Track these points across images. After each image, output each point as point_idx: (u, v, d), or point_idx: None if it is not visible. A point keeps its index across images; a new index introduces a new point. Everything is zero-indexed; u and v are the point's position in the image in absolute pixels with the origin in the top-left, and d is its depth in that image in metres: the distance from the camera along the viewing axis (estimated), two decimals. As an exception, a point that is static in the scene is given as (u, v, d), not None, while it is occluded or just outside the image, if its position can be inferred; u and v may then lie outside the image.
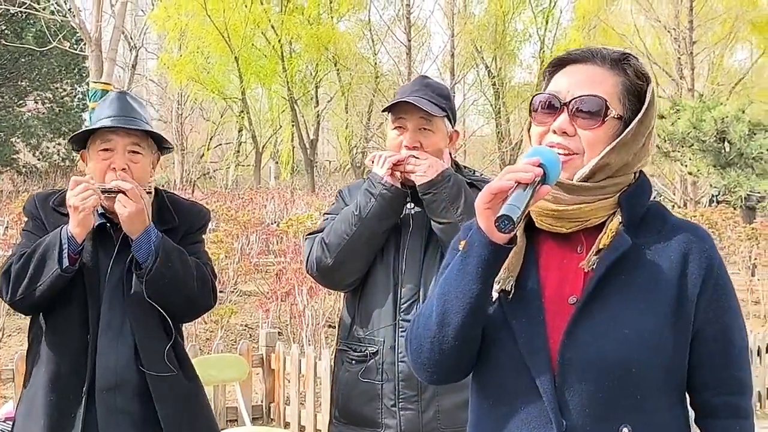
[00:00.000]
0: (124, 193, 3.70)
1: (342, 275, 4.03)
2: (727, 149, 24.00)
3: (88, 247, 3.79)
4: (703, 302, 2.38)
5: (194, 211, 4.14)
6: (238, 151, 54.52)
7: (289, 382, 8.32)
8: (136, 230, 3.74)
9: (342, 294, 4.47)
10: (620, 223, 2.40)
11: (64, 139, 44.16)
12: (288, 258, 14.29)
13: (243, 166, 55.30)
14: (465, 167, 4.26)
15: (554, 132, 2.41)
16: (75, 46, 31.98)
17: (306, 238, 4.22)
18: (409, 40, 44.95)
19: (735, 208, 24.67)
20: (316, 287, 11.02)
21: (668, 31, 38.81)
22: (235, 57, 45.11)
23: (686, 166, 26.27)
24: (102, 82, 18.34)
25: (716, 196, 32.55)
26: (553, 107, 2.43)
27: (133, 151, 3.88)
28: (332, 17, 49.16)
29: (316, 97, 50.01)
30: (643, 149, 2.46)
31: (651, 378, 2.31)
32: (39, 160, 44.43)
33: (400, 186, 3.94)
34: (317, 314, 11.02)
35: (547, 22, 51.29)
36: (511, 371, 2.37)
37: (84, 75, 41.23)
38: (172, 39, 47.46)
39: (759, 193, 23.18)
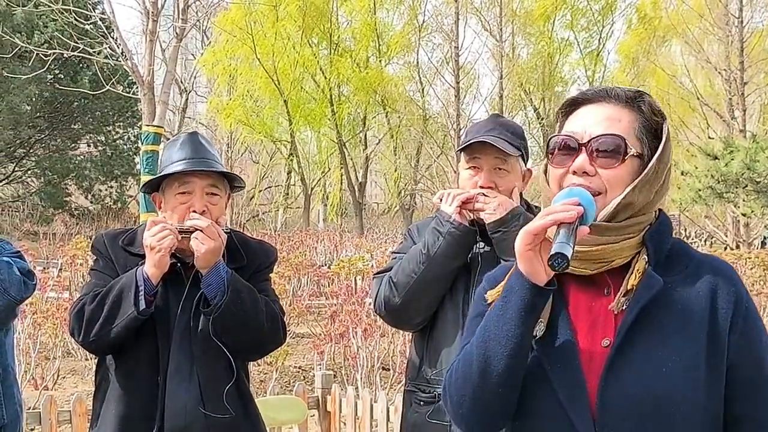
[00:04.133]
0: (201, 230, 3.69)
1: (410, 314, 3.99)
2: (788, 189, 23.80)
3: (159, 288, 3.77)
4: (734, 337, 2.34)
5: (263, 249, 4.13)
6: (287, 194, 54.76)
7: (345, 424, 8.26)
8: (207, 266, 3.74)
9: (405, 335, 4.42)
10: (646, 262, 2.37)
11: (116, 181, 44.49)
12: (340, 299, 14.28)
13: (292, 208, 55.52)
14: (536, 206, 4.20)
15: (574, 173, 2.40)
16: (128, 90, 32.24)
17: (374, 278, 4.19)
18: (458, 82, 44.94)
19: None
20: (370, 329, 10.98)
21: (719, 72, 38.62)
22: (284, 100, 45.44)
23: (739, 207, 26.08)
24: (154, 126, 18.46)
25: (768, 237, 32.26)
26: (570, 148, 2.42)
27: (211, 193, 3.87)
28: (380, 60, 49.42)
29: (365, 139, 50.25)
30: (663, 186, 2.45)
31: (689, 417, 2.26)
32: (91, 202, 44.73)
33: (468, 224, 3.91)
34: (372, 356, 10.97)
35: (595, 64, 51.31)
36: (550, 418, 2.34)
37: (136, 118, 41.51)
38: (222, 83, 47.84)
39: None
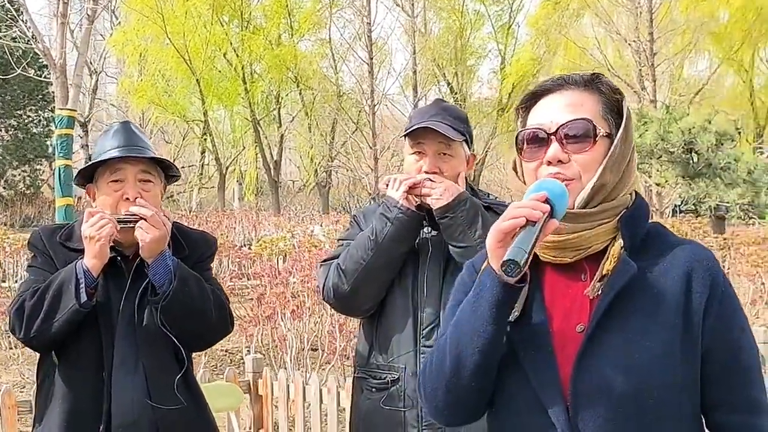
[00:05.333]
0: (144, 219, 3.64)
1: (359, 301, 3.99)
2: (695, 160, 24.18)
3: (100, 280, 3.70)
4: (710, 320, 2.35)
5: (203, 239, 4.10)
6: (202, 174, 54.36)
7: (277, 408, 8.23)
8: (153, 256, 3.69)
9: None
10: (621, 247, 2.38)
11: (29, 166, 43.89)
12: (265, 281, 14.20)
13: (206, 188, 55.15)
14: (481, 191, 4.23)
15: (548, 163, 2.40)
16: (39, 73, 31.75)
17: (321, 265, 4.18)
18: (371, 58, 44.95)
19: (698, 217, 24.86)
20: (298, 310, 10.93)
21: (629, 44, 39.07)
22: (197, 79, 45.03)
23: (653, 177, 26.44)
24: (67, 109, 18.18)
25: (679, 206, 32.81)
26: (539, 140, 2.42)
27: (144, 180, 3.81)
28: (293, 37, 49.15)
29: (279, 117, 50.05)
30: (630, 165, 2.46)
31: (663, 401, 2.28)
32: (4, 188, 44.04)
33: (415, 209, 3.91)
34: (301, 338, 10.93)
35: (506, 38, 51.53)
36: (523, 403, 2.35)
37: (48, 101, 41.00)
38: (132, 63, 47.32)
39: (727, 203, 23.33)
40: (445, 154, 3.97)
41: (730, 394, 2.39)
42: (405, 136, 4.04)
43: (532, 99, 2.53)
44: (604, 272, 2.35)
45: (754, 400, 2.40)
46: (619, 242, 2.39)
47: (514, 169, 2.54)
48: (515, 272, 2.14)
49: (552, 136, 2.40)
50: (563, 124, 2.39)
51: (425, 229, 3.99)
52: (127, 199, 3.74)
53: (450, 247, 3.87)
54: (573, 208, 2.36)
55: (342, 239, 4.21)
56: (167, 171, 3.99)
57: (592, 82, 2.48)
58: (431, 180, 3.89)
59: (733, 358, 2.39)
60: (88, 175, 3.90)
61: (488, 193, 4.29)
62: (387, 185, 4.01)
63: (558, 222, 2.25)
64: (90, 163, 3.87)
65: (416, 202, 3.93)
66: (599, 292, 2.34)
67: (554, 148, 2.39)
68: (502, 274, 2.21)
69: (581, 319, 2.35)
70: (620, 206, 2.43)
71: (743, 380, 2.40)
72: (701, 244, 2.54)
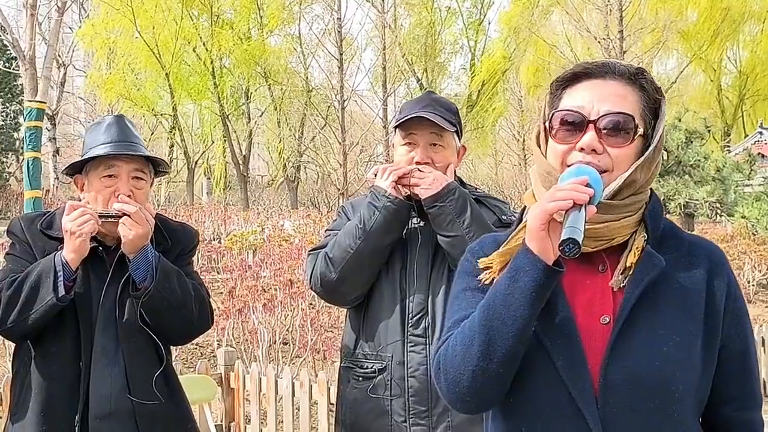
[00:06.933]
0: (128, 216, 3.61)
1: (346, 290, 3.98)
2: (665, 157, 24.25)
3: (79, 271, 3.67)
4: (728, 318, 2.36)
5: (185, 232, 4.06)
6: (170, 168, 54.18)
7: (249, 401, 8.21)
8: (134, 252, 3.66)
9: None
10: (646, 241, 2.35)
11: (-6, 157, 43.58)
12: (236, 274, 14.17)
13: (175, 182, 54.97)
14: (468, 184, 4.22)
15: (581, 150, 2.32)
16: (7, 65, 31.47)
17: (309, 255, 4.16)
18: (341, 54, 44.82)
19: (667, 215, 24.98)
20: (270, 304, 10.90)
21: (598, 41, 39.18)
22: (166, 73, 44.89)
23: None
24: (37, 101, 18.08)
25: (647, 203, 33.01)
26: (576, 124, 2.34)
27: (137, 177, 3.79)
28: (262, 32, 49.07)
29: (248, 112, 49.91)
30: (659, 164, 2.43)
31: (686, 395, 2.28)
32: (-29, 179, 43.70)
33: (404, 199, 3.90)
34: (273, 332, 10.90)
35: (477, 34, 51.63)
36: (548, 393, 2.30)
37: (15, 94, 40.72)
38: (101, 56, 47.08)
39: (696, 200, 23.43)
40: (436, 144, 3.98)
41: (741, 390, 2.42)
42: (396, 127, 4.04)
43: (572, 79, 2.44)
44: (627, 264, 2.32)
45: (757, 395, 2.46)
46: (643, 235, 2.36)
47: (538, 144, 2.47)
48: (574, 251, 2.08)
49: (591, 124, 2.33)
50: (606, 114, 2.32)
51: (414, 219, 3.99)
52: (119, 195, 3.72)
53: (438, 236, 3.86)
54: (602, 199, 2.29)
55: (330, 230, 4.20)
56: (157, 166, 3.97)
57: (636, 77, 2.40)
58: (420, 170, 3.89)
59: (745, 355, 2.42)
60: (78, 166, 3.87)
61: (476, 187, 4.29)
62: (376, 175, 4.00)
63: (595, 209, 2.19)
64: (84, 157, 3.83)
65: (405, 192, 3.93)
66: (622, 285, 2.31)
67: (591, 137, 2.31)
68: (546, 254, 2.17)
69: (604, 310, 2.32)
70: (643, 201, 2.39)
71: (750, 377, 2.43)
72: (711, 241, 2.53)
